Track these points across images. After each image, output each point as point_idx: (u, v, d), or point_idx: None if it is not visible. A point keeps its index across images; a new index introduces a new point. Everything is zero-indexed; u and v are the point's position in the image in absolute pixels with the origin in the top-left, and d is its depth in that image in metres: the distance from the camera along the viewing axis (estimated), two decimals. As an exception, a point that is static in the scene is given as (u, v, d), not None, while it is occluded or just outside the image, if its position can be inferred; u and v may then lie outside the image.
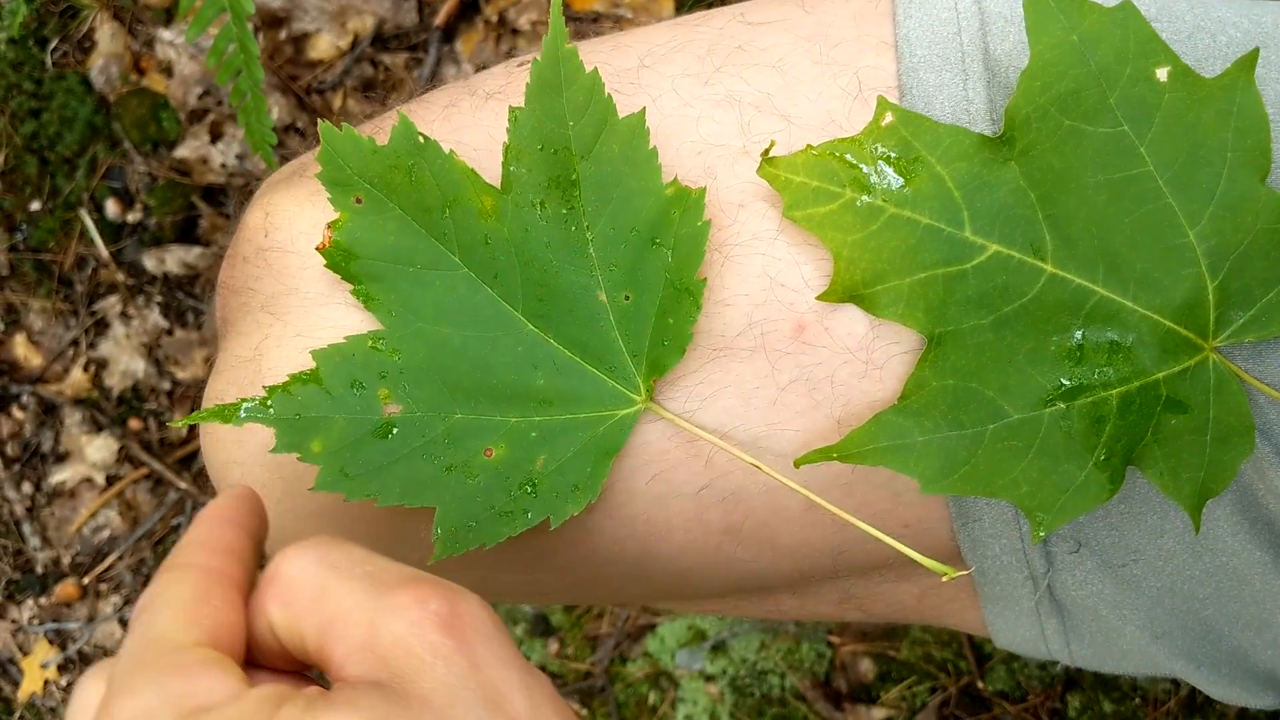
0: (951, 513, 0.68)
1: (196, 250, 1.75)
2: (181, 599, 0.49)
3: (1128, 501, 0.67)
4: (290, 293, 0.68)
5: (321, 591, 0.49)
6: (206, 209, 1.75)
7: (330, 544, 0.51)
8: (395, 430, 0.63)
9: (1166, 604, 0.71)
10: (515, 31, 1.68)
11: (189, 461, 1.78)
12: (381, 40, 1.74)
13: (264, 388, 0.62)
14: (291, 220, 0.68)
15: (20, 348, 1.78)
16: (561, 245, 0.63)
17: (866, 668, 1.56)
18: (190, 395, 1.77)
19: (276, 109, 1.72)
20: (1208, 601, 0.71)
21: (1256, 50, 0.58)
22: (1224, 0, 0.68)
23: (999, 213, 0.59)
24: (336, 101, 1.73)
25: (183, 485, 1.76)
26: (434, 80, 1.70)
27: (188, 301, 1.76)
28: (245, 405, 0.62)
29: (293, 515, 0.69)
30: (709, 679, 1.62)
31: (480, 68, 1.68)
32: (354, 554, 0.51)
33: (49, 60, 1.75)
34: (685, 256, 0.62)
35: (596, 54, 0.68)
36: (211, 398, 0.70)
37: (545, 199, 0.63)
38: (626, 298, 0.63)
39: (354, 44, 1.73)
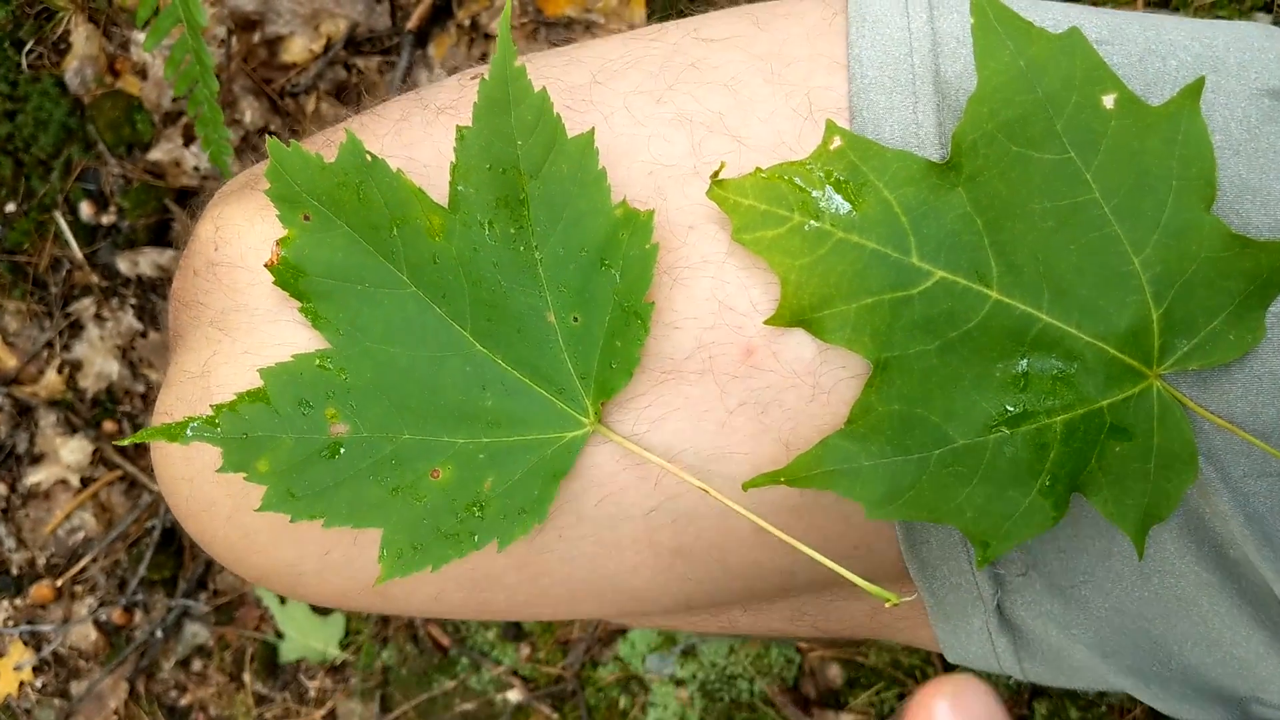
0: (899, 535, 0.68)
1: (170, 253, 1.75)
2: None
3: (1075, 525, 0.67)
4: (239, 309, 0.67)
5: None
6: (180, 212, 1.74)
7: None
8: (342, 450, 0.63)
9: (1115, 624, 0.71)
10: (488, 36, 1.68)
11: (162, 464, 1.77)
12: (354, 44, 1.73)
13: (211, 406, 0.62)
14: (241, 234, 0.68)
15: (-6, 349, 1.78)
16: (510, 265, 0.63)
17: (835, 673, 1.56)
18: (164, 398, 1.76)
19: (250, 112, 1.71)
20: (1156, 621, 0.71)
21: (1203, 78, 0.58)
22: (1177, 22, 0.68)
23: (945, 238, 0.59)
24: (310, 104, 1.73)
25: (156, 488, 1.76)
26: (406, 84, 1.69)
27: (161, 304, 1.76)
28: (192, 425, 0.62)
29: (241, 533, 0.69)
30: (679, 683, 1.62)
31: (453, 72, 1.67)
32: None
33: (24, 62, 1.74)
34: (633, 279, 0.61)
35: (549, 69, 0.68)
36: (161, 412, 0.70)
37: (494, 219, 0.62)
38: (575, 319, 0.62)
39: (327, 47, 1.72)
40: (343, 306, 0.63)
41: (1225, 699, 0.75)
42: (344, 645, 1.73)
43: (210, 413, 0.62)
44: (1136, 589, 0.69)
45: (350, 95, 1.72)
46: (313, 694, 1.76)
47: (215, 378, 0.67)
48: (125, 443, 0.62)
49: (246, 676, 1.77)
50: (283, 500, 0.62)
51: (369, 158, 0.62)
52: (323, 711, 1.74)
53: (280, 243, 0.63)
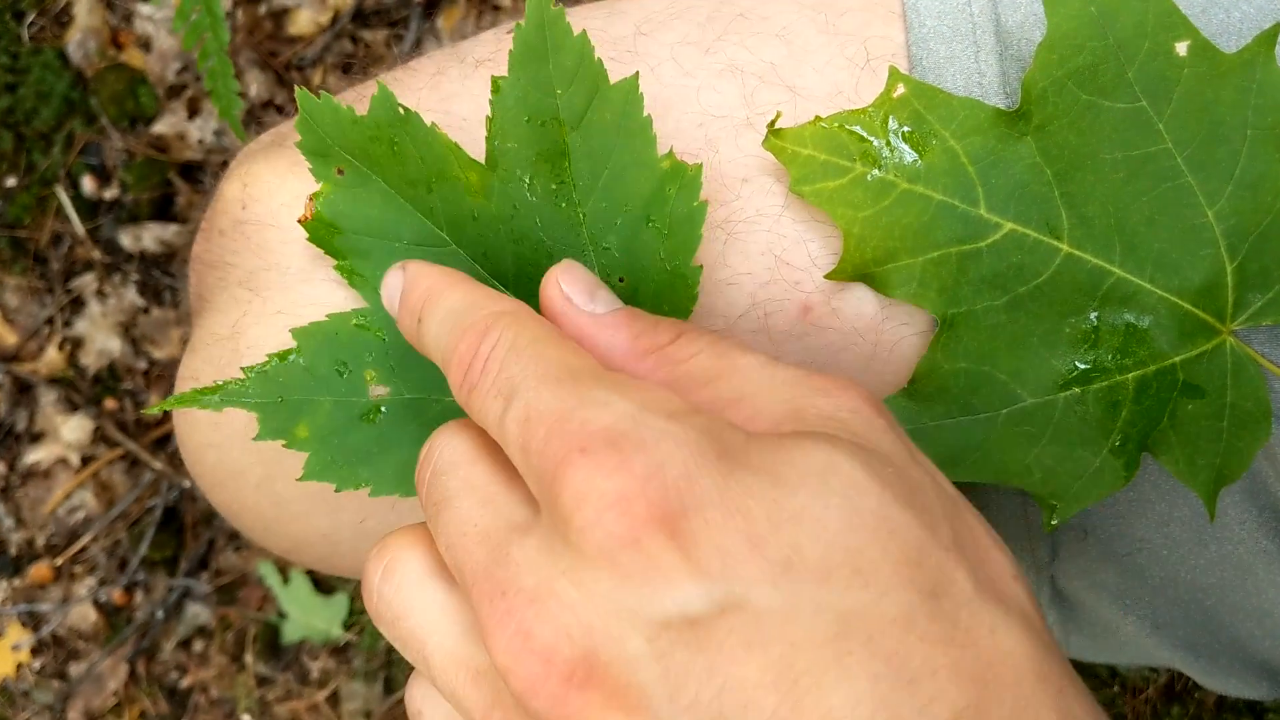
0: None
1: (174, 227, 1.73)
2: (559, 342, 0.47)
3: (1136, 489, 0.66)
4: (270, 268, 0.65)
5: (719, 373, 0.47)
6: (184, 186, 1.73)
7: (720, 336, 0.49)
8: (384, 413, 0.60)
9: (1169, 594, 0.70)
10: (497, 8, 1.67)
11: (164, 442, 1.76)
12: (362, 16, 1.72)
13: (241, 369, 0.59)
14: (271, 192, 0.66)
15: (-6, 326, 1.76)
16: (552, 223, 0.60)
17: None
18: (167, 375, 1.75)
19: (255, 85, 1.70)
20: (1210, 591, 0.69)
21: (1278, 25, 0.56)
22: (1237, -24, 0.66)
23: (1014, 190, 0.57)
24: (316, 78, 1.71)
25: (158, 466, 1.75)
26: (414, 56, 1.67)
27: (165, 280, 1.74)
28: (224, 390, 0.59)
29: (272, 501, 0.67)
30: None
31: (463, 44, 1.66)
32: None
33: (25, 34, 1.73)
34: (680, 239, 0.59)
35: (589, 20, 0.66)
36: (186, 377, 0.68)
37: (534, 174, 0.59)
38: (620, 280, 0.60)
39: (334, 20, 1.71)
40: (380, 264, 0.61)
41: (1272, 673, 0.74)
42: (347, 626, 1.72)
43: (241, 376, 0.60)
44: (1193, 556, 0.68)
45: (357, 68, 1.70)
46: (315, 675, 1.75)
47: (246, 339, 0.64)
48: (154, 410, 0.59)
49: (248, 657, 1.76)
50: (325, 468, 0.60)
51: (402, 111, 0.59)
52: (325, 693, 1.73)
53: (314, 197, 0.61)
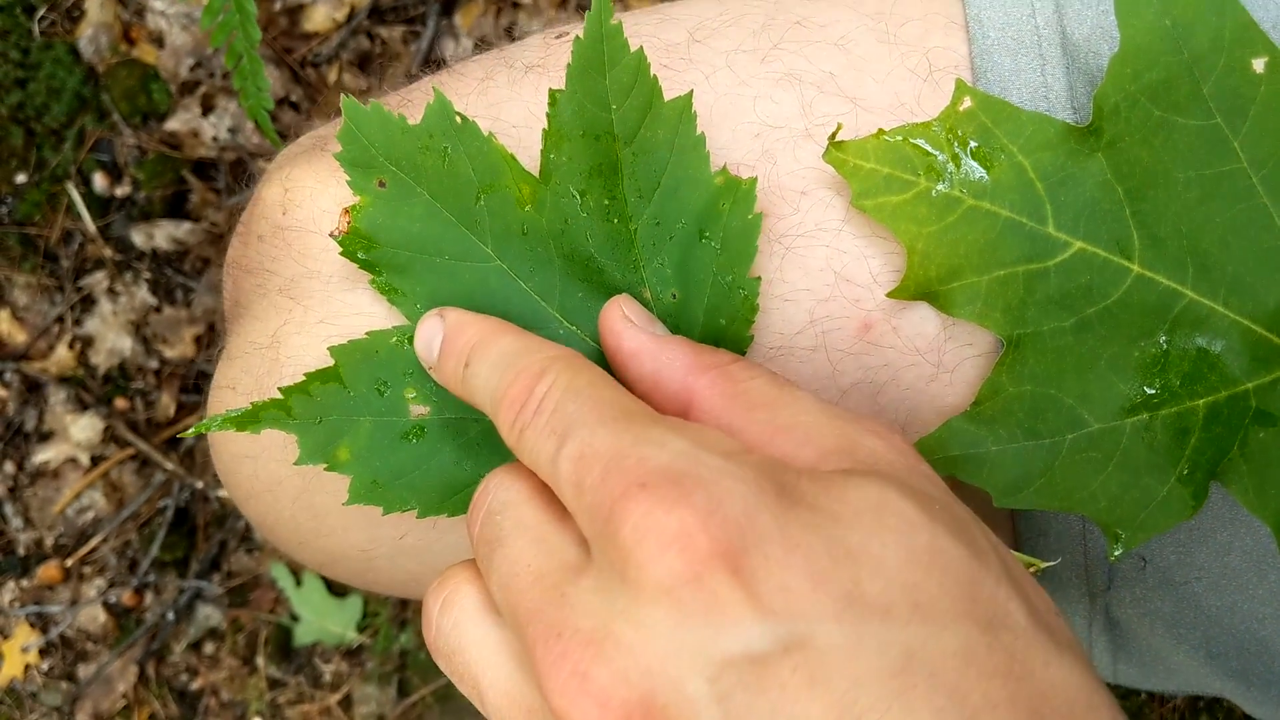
0: (1016, 526, 0.65)
1: (186, 225, 1.72)
2: (614, 386, 0.49)
3: (1199, 517, 0.64)
4: (312, 275, 0.63)
5: (776, 400, 0.49)
6: (197, 183, 1.71)
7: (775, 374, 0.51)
8: (425, 433, 0.59)
9: (1224, 623, 0.68)
10: (516, 5, 1.65)
11: (176, 443, 1.75)
12: (378, 13, 1.70)
13: (279, 390, 0.58)
14: (314, 197, 0.64)
15: (4, 324, 1.75)
16: (604, 239, 0.58)
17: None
18: (179, 375, 1.74)
19: (270, 81, 1.68)
20: (1267, 621, 0.68)
21: None
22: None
23: (1084, 208, 0.56)
24: (331, 75, 1.70)
25: (169, 466, 1.73)
26: (432, 54, 1.66)
27: (177, 278, 1.73)
28: (265, 414, 0.58)
29: (310, 514, 0.66)
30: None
31: (480, 42, 1.64)
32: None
33: (36, 28, 1.71)
34: (735, 252, 0.57)
35: (642, 28, 0.64)
36: (223, 385, 0.66)
37: (587, 188, 0.58)
38: (673, 296, 0.58)
39: (350, 16, 1.69)
40: (420, 280, 0.59)
41: None
42: (361, 628, 1.71)
43: (278, 395, 0.58)
44: (1252, 586, 0.66)
45: (374, 65, 1.69)
46: (328, 678, 1.73)
47: (286, 348, 0.63)
48: (192, 433, 0.58)
49: (260, 660, 1.75)
50: (370, 491, 0.58)
51: (459, 119, 0.57)
52: (338, 696, 1.72)
53: (350, 211, 0.59)
